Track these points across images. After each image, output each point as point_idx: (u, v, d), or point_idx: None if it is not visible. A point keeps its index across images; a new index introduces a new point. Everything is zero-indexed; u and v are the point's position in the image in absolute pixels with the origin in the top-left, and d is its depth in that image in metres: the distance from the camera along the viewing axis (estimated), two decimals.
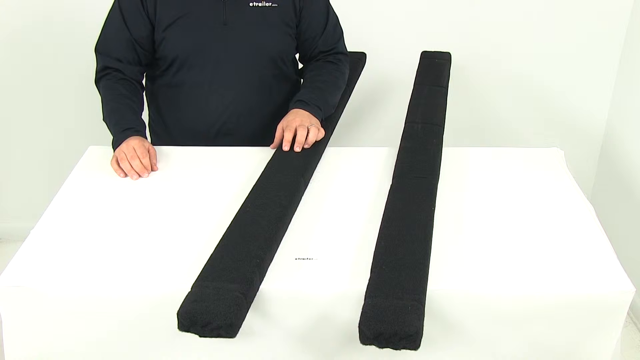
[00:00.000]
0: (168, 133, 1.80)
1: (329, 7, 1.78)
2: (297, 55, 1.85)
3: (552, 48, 2.36)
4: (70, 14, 2.27)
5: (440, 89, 1.87)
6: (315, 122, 1.62)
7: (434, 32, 2.33)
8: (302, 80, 1.83)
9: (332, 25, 1.79)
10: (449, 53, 2.14)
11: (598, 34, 2.33)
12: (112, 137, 1.60)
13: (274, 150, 1.58)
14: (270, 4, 1.67)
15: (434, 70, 2.01)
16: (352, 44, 2.19)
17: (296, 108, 1.65)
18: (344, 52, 1.85)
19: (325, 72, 1.76)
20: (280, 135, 1.60)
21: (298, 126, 1.57)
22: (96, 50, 1.70)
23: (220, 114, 1.73)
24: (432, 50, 2.16)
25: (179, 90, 1.72)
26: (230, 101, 1.72)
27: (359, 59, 2.10)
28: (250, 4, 1.66)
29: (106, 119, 1.66)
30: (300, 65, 1.88)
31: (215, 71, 1.68)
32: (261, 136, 1.74)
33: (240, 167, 1.56)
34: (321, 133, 1.60)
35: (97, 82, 1.71)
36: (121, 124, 1.61)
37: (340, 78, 1.79)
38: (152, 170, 1.54)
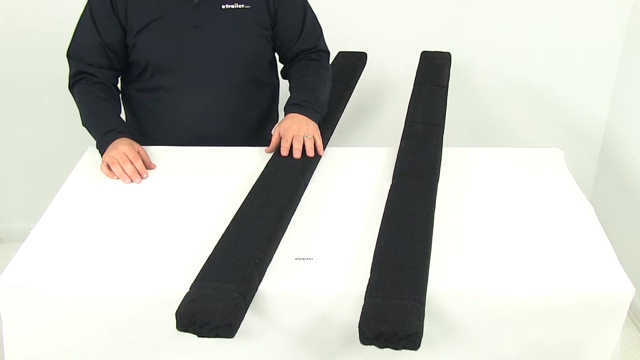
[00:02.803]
0: (145, 137, 1.75)
1: (305, 6, 1.75)
2: (276, 58, 1.82)
3: (553, 48, 2.36)
4: (70, 13, 2.27)
5: (440, 89, 1.87)
6: (313, 126, 1.60)
7: (434, 32, 2.33)
8: (288, 81, 1.80)
9: (310, 24, 1.76)
10: (449, 53, 2.14)
11: (598, 34, 2.33)
12: (96, 141, 1.60)
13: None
14: (243, 5, 1.64)
15: (434, 70, 2.01)
16: (352, 44, 2.20)
17: (292, 112, 1.63)
18: (325, 49, 1.83)
19: (312, 70, 1.74)
20: (277, 141, 1.59)
21: (295, 137, 1.55)
22: (68, 55, 1.67)
23: (198, 119, 1.71)
24: (432, 50, 2.16)
25: (155, 95, 1.70)
26: (207, 106, 1.70)
27: (360, 59, 2.10)
28: (223, 7, 1.63)
29: (86, 123, 1.64)
30: (280, 66, 1.85)
31: (189, 76, 1.66)
32: (243, 141, 1.73)
33: (240, 167, 1.56)
34: (318, 142, 1.58)
35: (71, 87, 1.68)
36: (103, 126, 1.59)
37: (326, 75, 1.77)
38: (148, 169, 1.54)
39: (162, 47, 1.63)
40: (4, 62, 2.37)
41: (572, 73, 2.41)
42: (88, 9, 1.64)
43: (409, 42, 2.31)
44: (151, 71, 1.66)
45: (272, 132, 1.63)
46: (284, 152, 1.54)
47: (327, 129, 1.67)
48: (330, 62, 2.06)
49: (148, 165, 1.55)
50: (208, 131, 1.72)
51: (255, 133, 1.81)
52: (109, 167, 1.51)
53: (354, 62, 2.07)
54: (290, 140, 1.55)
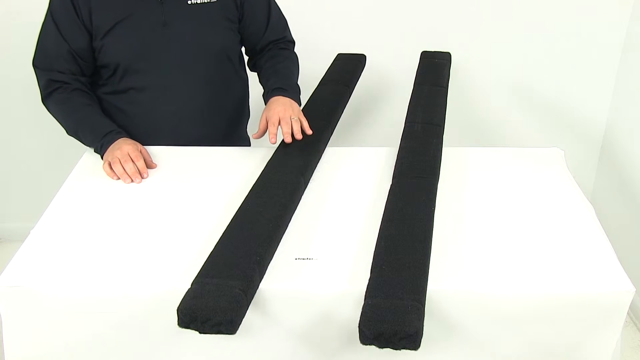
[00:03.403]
0: None
1: None
2: (242, 50, 1.83)
3: (553, 48, 2.36)
4: None
5: (440, 89, 1.87)
6: (297, 107, 1.63)
7: (434, 32, 2.33)
8: (258, 72, 1.82)
9: (276, 15, 1.78)
10: (449, 53, 2.14)
11: (598, 34, 2.33)
12: (93, 146, 1.59)
13: (273, 150, 1.58)
14: (209, 0, 1.64)
15: (434, 70, 2.01)
16: (352, 44, 2.19)
17: (276, 96, 1.64)
18: (292, 40, 1.86)
19: (283, 58, 1.78)
20: (264, 126, 1.61)
21: (281, 119, 1.57)
22: (35, 65, 1.63)
23: (171, 117, 1.70)
24: (432, 50, 2.16)
25: (127, 97, 1.67)
26: (180, 103, 1.69)
27: (359, 60, 2.10)
28: (189, 2, 1.62)
29: (76, 131, 1.62)
30: (246, 58, 1.86)
31: (161, 74, 1.64)
32: (219, 137, 1.74)
33: (240, 167, 1.56)
34: (304, 123, 1.60)
35: (45, 99, 1.64)
36: (100, 129, 1.59)
37: (297, 62, 1.82)
38: (150, 168, 1.54)
39: (131, 48, 1.60)
40: (4, 62, 2.37)
41: (572, 73, 2.41)
42: (50, 15, 1.59)
43: (409, 42, 2.31)
44: (121, 73, 1.63)
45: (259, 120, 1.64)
46: (272, 139, 1.55)
47: (327, 129, 1.67)
48: (330, 63, 2.06)
49: (149, 165, 1.55)
50: (183, 129, 1.72)
51: (230, 129, 1.83)
52: (110, 166, 1.51)
53: (353, 64, 2.06)
54: (277, 125, 1.56)
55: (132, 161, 1.51)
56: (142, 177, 1.51)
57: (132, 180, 1.49)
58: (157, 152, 1.63)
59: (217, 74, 1.71)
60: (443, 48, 2.17)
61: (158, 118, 1.69)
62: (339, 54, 2.14)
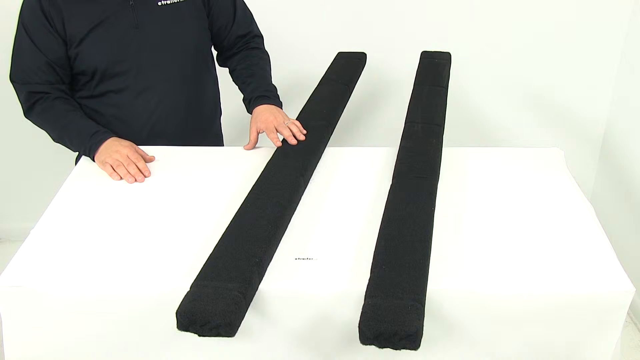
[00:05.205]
0: None
1: None
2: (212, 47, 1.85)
3: (553, 47, 2.36)
4: None
5: (440, 89, 1.87)
6: (283, 114, 1.67)
7: (434, 32, 2.33)
8: (231, 70, 1.84)
9: (241, 9, 1.81)
10: (449, 53, 2.14)
11: (598, 34, 2.33)
12: (81, 149, 1.60)
13: (273, 151, 1.58)
14: None
15: (434, 70, 2.00)
16: (352, 44, 2.19)
17: (260, 105, 1.68)
18: (259, 34, 1.88)
19: (257, 59, 1.81)
20: (255, 138, 1.64)
21: (277, 126, 1.61)
22: (12, 80, 1.63)
23: (148, 117, 1.71)
24: (432, 50, 2.16)
25: (104, 100, 1.68)
26: (156, 103, 1.70)
27: (359, 59, 2.10)
28: (159, 3, 1.63)
29: (61, 136, 1.63)
30: (215, 54, 1.88)
31: (137, 76, 1.65)
32: (196, 135, 1.77)
33: (240, 167, 1.56)
34: (299, 125, 1.63)
35: (28, 111, 1.65)
36: (86, 131, 1.59)
37: (269, 60, 1.85)
38: (148, 162, 1.56)
39: (107, 53, 1.61)
40: (4, 61, 2.37)
41: (572, 73, 2.41)
42: (22, 27, 1.58)
43: (409, 42, 2.31)
44: (99, 78, 1.64)
45: (249, 131, 1.67)
46: (278, 142, 1.59)
47: (327, 129, 1.68)
48: (330, 62, 2.06)
49: (147, 159, 1.57)
50: (160, 128, 1.73)
51: (206, 126, 1.85)
52: (112, 168, 1.52)
53: (353, 62, 2.06)
54: (275, 131, 1.61)
55: (134, 163, 1.52)
56: (145, 176, 1.51)
57: (135, 180, 1.49)
58: (157, 152, 1.62)
59: (192, 72, 1.74)
60: (443, 48, 2.17)
61: (135, 118, 1.70)
62: (339, 53, 2.14)
